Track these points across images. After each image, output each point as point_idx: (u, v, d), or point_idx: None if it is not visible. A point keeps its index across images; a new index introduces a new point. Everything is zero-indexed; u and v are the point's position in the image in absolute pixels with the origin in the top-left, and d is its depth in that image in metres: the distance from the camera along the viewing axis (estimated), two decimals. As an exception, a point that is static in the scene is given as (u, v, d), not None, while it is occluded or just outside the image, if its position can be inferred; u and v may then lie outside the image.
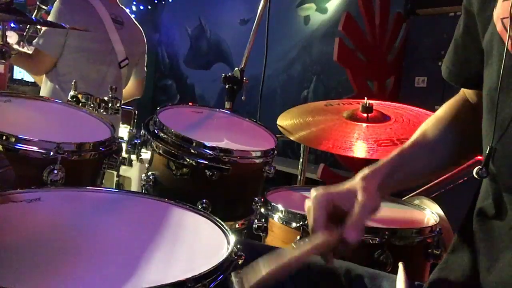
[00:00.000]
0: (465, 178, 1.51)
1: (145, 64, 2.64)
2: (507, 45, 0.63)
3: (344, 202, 0.72)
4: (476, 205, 0.72)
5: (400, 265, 0.77)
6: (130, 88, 2.61)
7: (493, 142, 0.66)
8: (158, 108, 1.39)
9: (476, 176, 0.68)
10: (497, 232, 0.68)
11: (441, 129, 0.85)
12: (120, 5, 2.46)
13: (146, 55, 2.61)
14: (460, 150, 0.85)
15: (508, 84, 0.64)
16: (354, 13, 3.14)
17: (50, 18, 2.20)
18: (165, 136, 1.27)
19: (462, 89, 0.88)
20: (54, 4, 2.22)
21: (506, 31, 0.64)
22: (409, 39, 3.42)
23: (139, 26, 2.55)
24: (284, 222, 1.07)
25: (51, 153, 1.03)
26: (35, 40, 2.20)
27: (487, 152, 0.66)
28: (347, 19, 3.01)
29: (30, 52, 2.18)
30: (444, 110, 0.88)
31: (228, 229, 0.77)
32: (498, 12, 0.66)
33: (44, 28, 2.20)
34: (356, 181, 0.74)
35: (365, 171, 0.76)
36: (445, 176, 1.80)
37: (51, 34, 2.18)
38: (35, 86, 2.71)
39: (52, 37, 2.18)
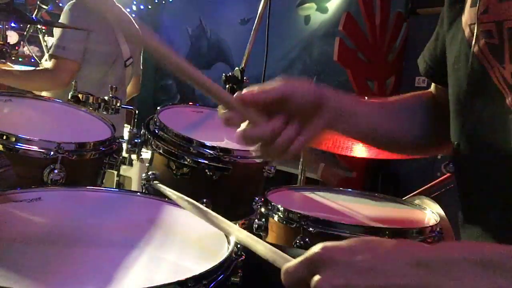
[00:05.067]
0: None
1: (141, 62, 2.66)
2: (472, 51, 0.65)
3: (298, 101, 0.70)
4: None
5: None
6: (130, 86, 2.62)
7: (460, 141, 0.69)
8: (158, 108, 1.39)
9: (443, 171, 0.71)
10: (469, 231, 0.70)
11: (407, 102, 0.89)
12: (117, 4, 2.45)
13: (142, 52, 2.62)
14: (421, 131, 0.87)
15: (475, 89, 0.66)
16: (355, 13, 3.14)
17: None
18: (166, 135, 1.26)
19: (432, 86, 0.90)
20: (63, 11, 2.18)
21: (474, 37, 0.66)
22: (410, 39, 3.42)
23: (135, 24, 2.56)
24: (284, 222, 1.07)
25: (52, 153, 1.03)
26: (52, 50, 2.12)
27: (454, 148, 0.70)
28: (347, 19, 3.01)
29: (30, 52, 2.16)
30: (411, 94, 0.92)
31: (229, 229, 0.77)
32: (466, 19, 0.68)
33: (59, 35, 2.14)
34: (323, 94, 0.74)
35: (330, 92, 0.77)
36: (445, 176, 1.80)
37: (71, 40, 2.12)
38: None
39: (72, 43, 2.12)
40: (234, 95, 0.67)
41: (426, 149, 0.92)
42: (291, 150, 0.68)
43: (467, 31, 0.68)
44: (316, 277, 0.48)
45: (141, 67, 2.69)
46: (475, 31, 0.65)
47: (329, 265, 0.47)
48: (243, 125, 0.68)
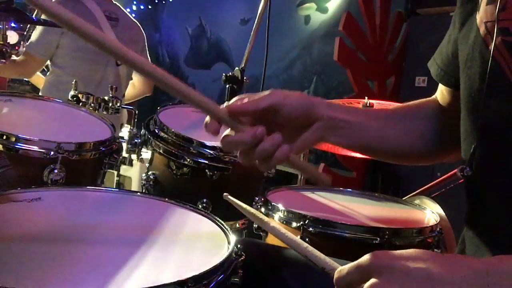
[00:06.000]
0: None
1: (149, 60, 2.62)
2: (492, 50, 0.64)
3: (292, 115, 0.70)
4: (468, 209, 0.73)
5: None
6: (139, 86, 2.59)
7: (476, 143, 0.67)
8: (158, 108, 1.39)
9: (459, 175, 0.69)
10: (478, 234, 0.69)
11: (410, 111, 0.86)
12: (114, 2, 2.43)
13: (147, 51, 2.59)
14: (424, 141, 0.85)
15: (491, 88, 0.64)
16: (355, 13, 3.14)
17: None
18: (166, 135, 1.27)
19: (438, 92, 0.88)
20: None
21: (490, 35, 0.64)
22: (410, 39, 3.41)
23: (136, 22, 2.52)
24: (284, 222, 1.07)
25: (52, 153, 1.03)
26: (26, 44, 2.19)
27: (471, 151, 0.67)
28: (347, 19, 3.01)
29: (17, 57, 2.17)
30: (415, 102, 0.89)
31: (229, 229, 0.77)
32: (481, 16, 0.67)
33: (35, 31, 2.18)
34: (319, 108, 0.73)
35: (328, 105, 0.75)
36: (445, 176, 1.80)
37: (40, 35, 2.17)
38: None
39: (41, 38, 2.17)
40: (223, 106, 0.65)
41: (430, 158, 0.89)
42: (276, 157, 0.65)
43: (482, 29, 0.66)
44: (370, 281, 0.48)
45: None
46: (495, 28, 0.63)
47: (384, 271, 0.48)
48: (227, 131, 0.66)
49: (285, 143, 0.66)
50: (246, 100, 0.67)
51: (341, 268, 0.53)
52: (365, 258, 0.50)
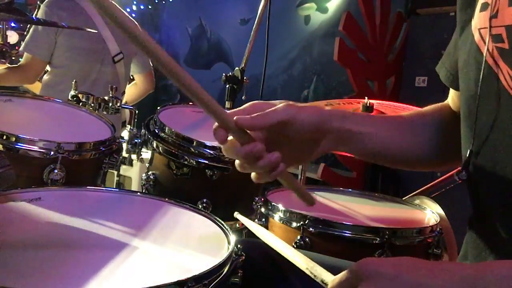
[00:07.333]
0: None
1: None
2: (485, 56, 0.64)
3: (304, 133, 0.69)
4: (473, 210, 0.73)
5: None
6: (141, 85, 2.57)
7: (472, 147, 0.67)
8: (158, 108, 1.39)
9: (456, 179, 0.69)
10: (480, 237, 0.70)
11: (425, 118, 0.85)
12: (111, 1, 2.41)
13: None
14: (437, 148, 0.84)
15: (485, 93, 0.65)
16: (355, 13, 3.14)
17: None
18: (166, 135, 1.27)
19: (449, 97, 0.87)
20: (40, 7, 2.17)
21: (483, 41, 0.65)
22: (410, 39, 3.42)
23: (134, 21, 2.51)
24: (284, 222, 1.07)
25: (52, 153, 1.03)
26: (21, 46, 2.15)
27: (466, 155, 0.68)
28: (347, 19, 3.01)
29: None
30: (430, 107, 0.88)
31: (229, 229, 0.78)
32: (476, 22, 0.68)
33: (30, 33, 2.15)
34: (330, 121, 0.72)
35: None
36: (445, 176, 1.80)
37: (38, 37, 2.13)
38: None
39: (41, 39, 2.13)
40: (234, 118, 0.64)
41: (444, 165, 0.88)
42: (270, 175, 0.67)
43: (476, 35, 0.67)
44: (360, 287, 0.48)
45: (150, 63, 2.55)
46: (487, 35, 0.64)
47: (372, 278, 0.48)
48: (230, 138, 0.67)
49: (284, 161, 0.66)
50: (258, 112, 0.66)
51: (334, 278, 0.54)
52: (354, 265, 0.50)
